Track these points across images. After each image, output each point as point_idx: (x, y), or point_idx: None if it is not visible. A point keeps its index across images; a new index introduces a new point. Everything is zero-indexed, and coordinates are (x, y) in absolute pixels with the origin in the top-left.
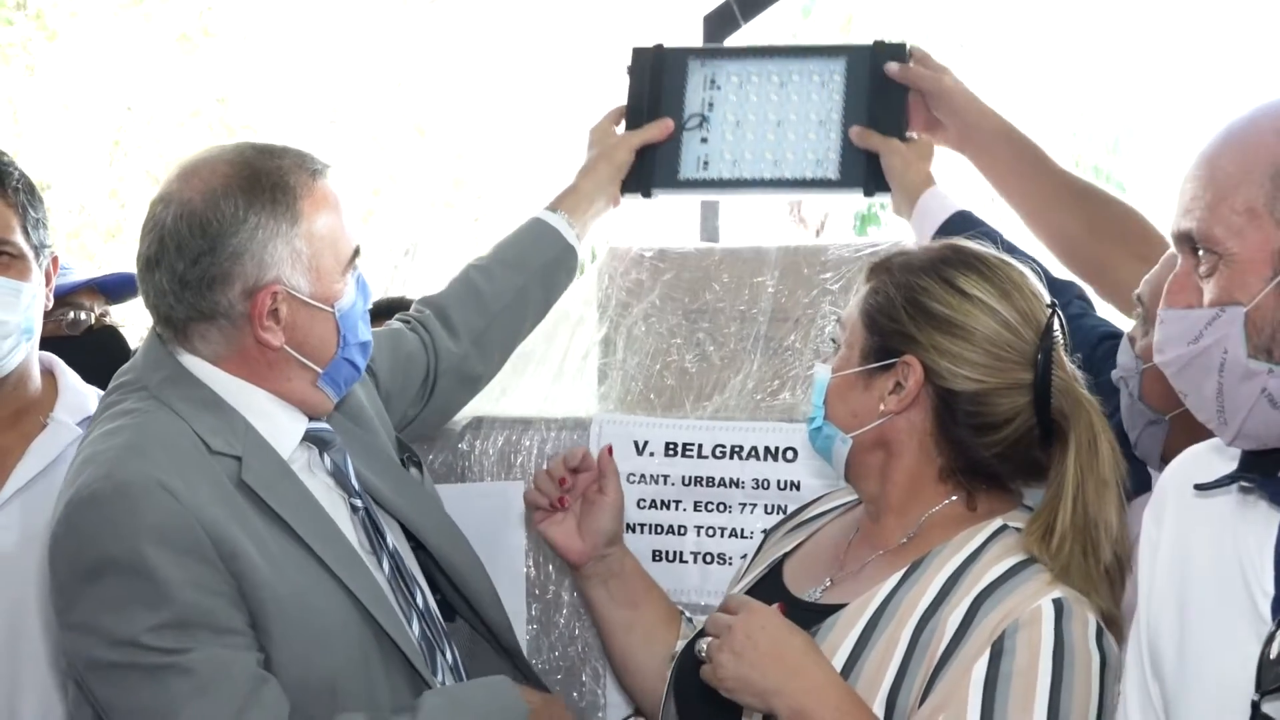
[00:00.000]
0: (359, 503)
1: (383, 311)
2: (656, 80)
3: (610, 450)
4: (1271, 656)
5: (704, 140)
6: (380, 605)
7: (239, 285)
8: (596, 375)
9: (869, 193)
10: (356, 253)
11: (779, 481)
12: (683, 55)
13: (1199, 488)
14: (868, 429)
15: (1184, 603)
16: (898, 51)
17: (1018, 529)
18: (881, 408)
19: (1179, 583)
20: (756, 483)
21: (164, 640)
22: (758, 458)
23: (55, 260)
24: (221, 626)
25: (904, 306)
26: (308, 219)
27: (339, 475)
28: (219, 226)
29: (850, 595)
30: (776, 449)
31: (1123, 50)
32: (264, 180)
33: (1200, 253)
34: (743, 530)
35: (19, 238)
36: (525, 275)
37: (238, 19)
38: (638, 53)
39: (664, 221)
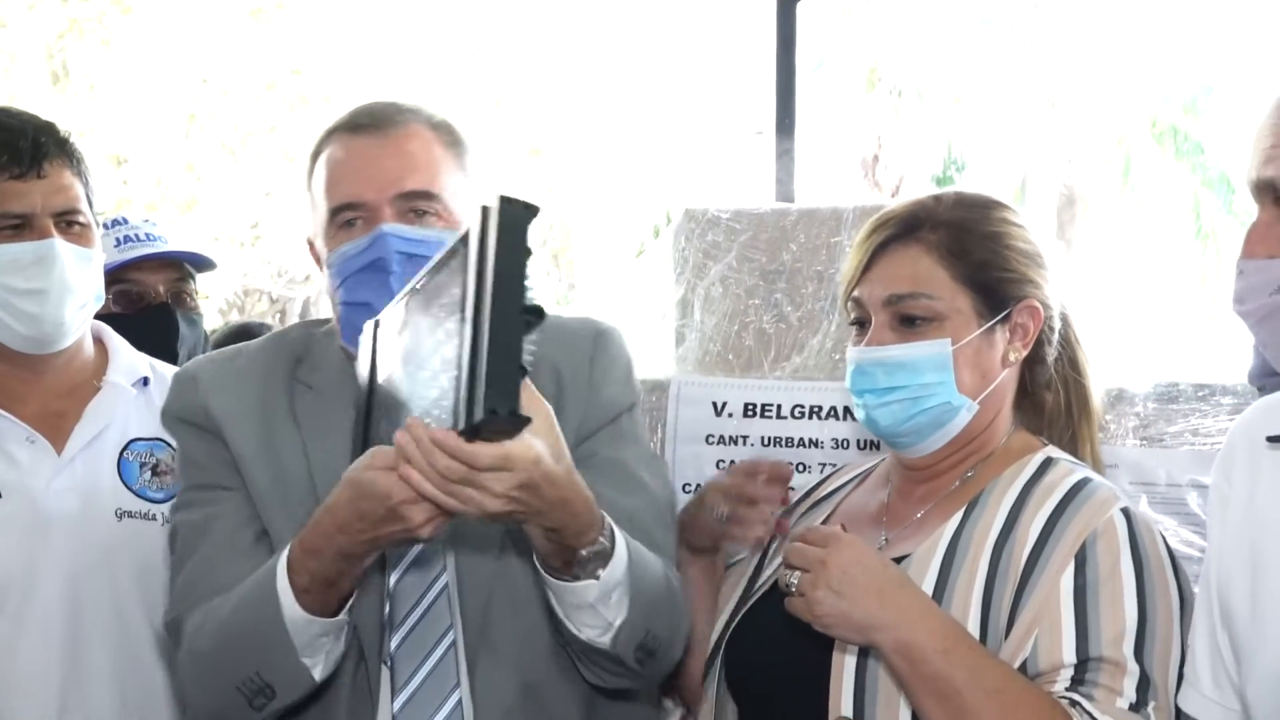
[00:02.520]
0: None
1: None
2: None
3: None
4: None
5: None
6: None
7: None
8: (674, 337)
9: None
10: (340, 207)
11: (859, 441)
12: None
13: (1270, 439)
14: (992, 386)
15: (1257, 554)
16: (515, 215)
17: (1060, 459)
18: (1012, 357)
19: (1251, 534)
20: (836, 442)
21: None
22: (837, 417)
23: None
24: (206, 484)
25: (1006, 254)
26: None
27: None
28: None
29: (912, 546)
30: (844, 409)
31: (1201, 10)
32: None
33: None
34: None
35: (85, 207)
36: None
37: None
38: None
39: (740, 182)
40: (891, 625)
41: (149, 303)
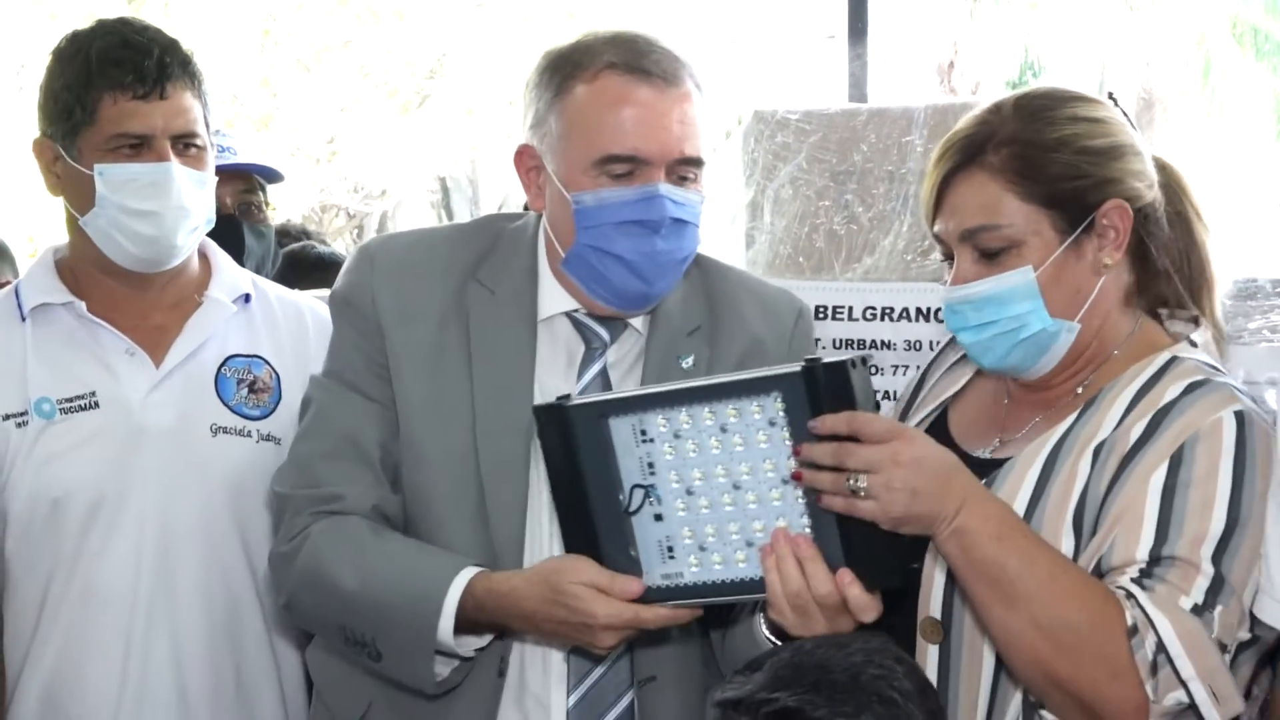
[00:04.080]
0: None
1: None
2: (573, 448)
3: None
4: None
5: (658, 519)
6: (506, 495)
7: None
8: (744, 240)
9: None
10: (618, 158)
11: (931, 342)
12: (596, 411)
13: None
14: (1092, 299)
15: None
16: (837, 376)
17: (1187, 358)
18: (1107, 262)
19: None
20: (908, 344)
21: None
22: (909, 319)
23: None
24: (350, 382)
25: (1078, 160)
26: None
27: (588, 373)
28: None
29: (1020, 449)
30: (929, 310)
31: None
32: None
33: None
34: (894, 393)
35: (203, 129)
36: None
37: None
38: (539, 413)
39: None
40: (949, 515)
41: (217, 214)
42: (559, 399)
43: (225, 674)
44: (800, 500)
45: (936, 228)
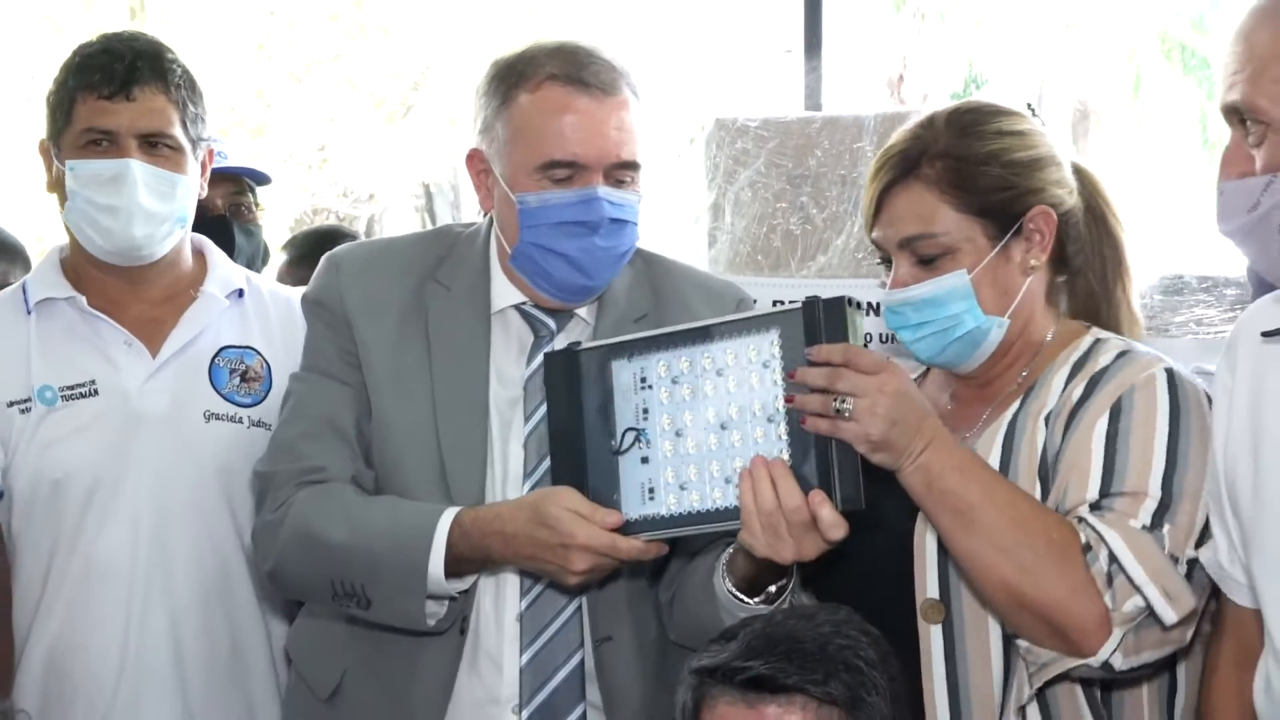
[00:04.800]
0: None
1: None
2: (573, 390)
3: None
4: None
5: (645, 461)
6: (465, 467)
7: None
8: (706, 239)
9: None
10: (559, 163)
11: (880, 335)
12: (604, 355)
13: (1265, 334)
14: (1020, 297)
15: (1258, 441)
16: (835, 310)
17: (1110, 337)
18: (1034, 263)
19: (1253, 423)
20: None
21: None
22: (862, 310)
23: (210, 153)
24: (325, 371)
25: (1005, 172)
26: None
27: (537, 359)
28: None
29: (979, 437)
30: (878, 305)
31: None
32: None
33: (1248, 123)
34: None
35: (178, 131)
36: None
37: None
38: (550, 358)
39: (770, 99)
40: (916, 450)
41: (208, 214)
42: (570, 345)
43: (219, 643)
44: (781, 437)
45: (875, 234)
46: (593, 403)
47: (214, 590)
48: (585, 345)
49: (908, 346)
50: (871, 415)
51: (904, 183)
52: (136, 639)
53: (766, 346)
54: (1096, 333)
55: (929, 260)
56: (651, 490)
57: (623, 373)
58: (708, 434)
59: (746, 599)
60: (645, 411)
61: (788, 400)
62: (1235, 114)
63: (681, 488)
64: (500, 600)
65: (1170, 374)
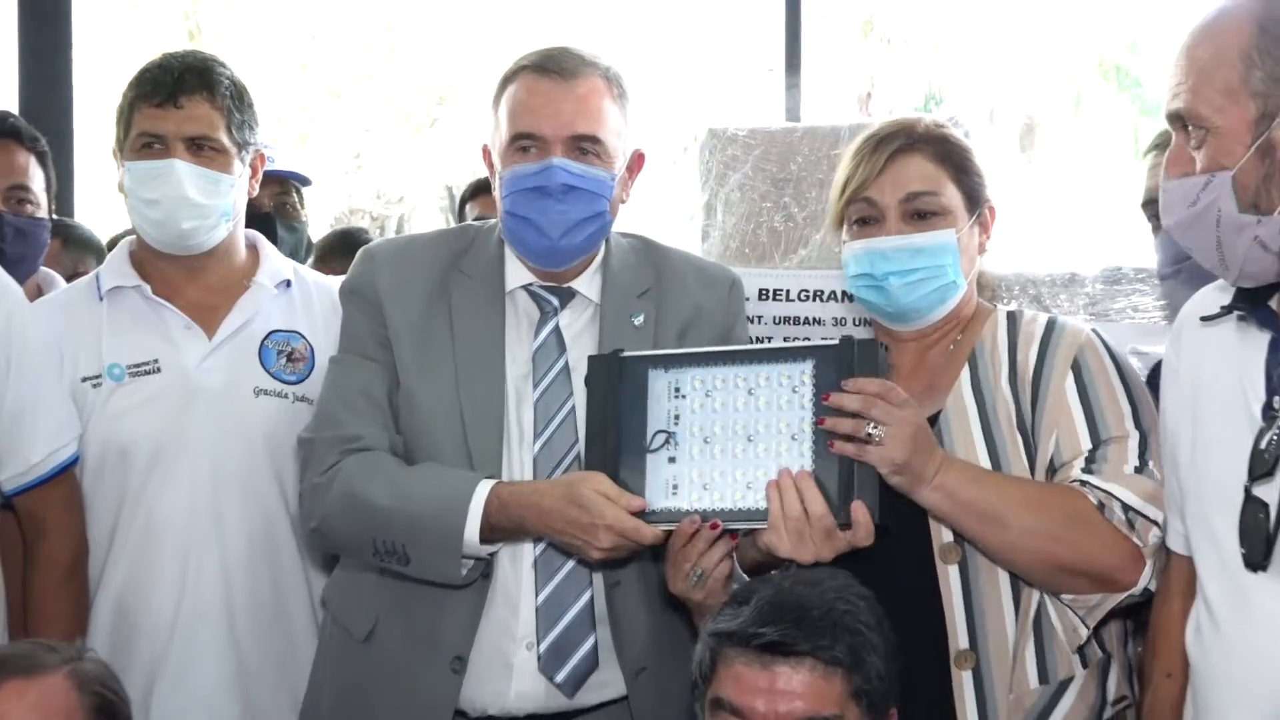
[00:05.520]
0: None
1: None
2: (614, 392)
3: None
4: (1261, 448)
5: (671, 461)
6: (483, 432)
7: None
8: (700, 235)
9: (843, 526)
10: (521, 135)
11: (854, 319)
12: (643, 364)
13: (1204, 319)
14: (976, 269)
15: (1196, 412)
16: (869, 350)
17: (1018, 310)
18: (984, 241)
19: (1192, 397)
20: (835, 320)
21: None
22: (836, 299)
23: (261, 156)
24: (360, 351)
25: (976, 164)
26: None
27: (543, 335)
28: None
29: (937, 405)
30: (844, 292)
31: None
32: None
33: (1189, 129)
34: None
35: (222, 135)
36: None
37: None
38: (595, 361)
39: (755, 111)
40: (932, 474)
41: (255, 211)
42: (614, 351)
43: (264, 591)
44: (804, 454)
45: (869, 194)
46: (628, 403)
47: (260, 544)
48: (627, 353)
49: (889, 293)
50: (896, 441)
51: (909, 150)
52: (192, 588)
53: (798, 374)
54: (1001, 308)
55: (924, 216)
56: (675, 486)
57: (658, 381)
58: (734, 443)
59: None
60: (676, 418)
61: (818, 422)
62: (1179, 120)
63: (704, 487)
64: (517, 549)
65: (1096, 332)
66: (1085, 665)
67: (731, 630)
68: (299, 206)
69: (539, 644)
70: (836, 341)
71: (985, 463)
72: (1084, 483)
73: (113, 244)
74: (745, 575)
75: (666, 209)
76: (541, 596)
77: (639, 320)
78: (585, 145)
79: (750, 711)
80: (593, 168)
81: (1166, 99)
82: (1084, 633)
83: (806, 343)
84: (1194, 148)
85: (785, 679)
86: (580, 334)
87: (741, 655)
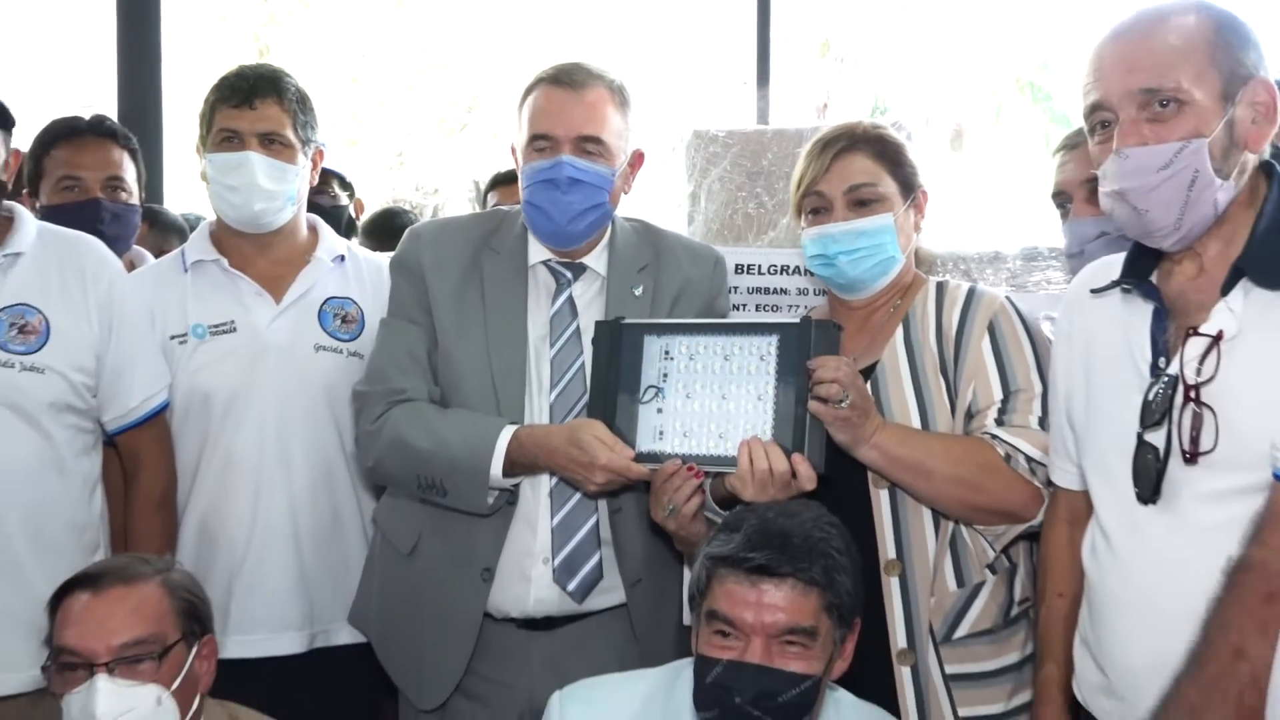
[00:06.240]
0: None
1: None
2: (615, 352)
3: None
4: (1149, 400)
5: (659, 411)
6: (509, 384)
7: None
8: (686, 219)
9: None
10: (536, 136)
11: (814, 290)
12: (640, 330)
13: (1094, 291)
14: (912, 246)
15: (1089, 370)
16: (824, 329)
17: (947, 280)
18: (919, 220)
19: (1085, 358)
20: (799, 290)
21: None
22: (800, 273)
23: (320, 153)
24: (405, 316)
25: (909, 157)
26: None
27: (559, 303)
28: None
29: (874, 357)
30: (801, 267)
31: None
32: None
33: (1163, 104)
34: None
35: (289, 132)
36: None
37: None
38: (600, 326)
39: (731, 111)
40: (869, 436)
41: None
42: (616, 318)
43: (323, 514)
44: (767, 411)
45: (820, 187)
46: (626, 362)
47: (320, 475)
48: (627, 320)
49: (839, 268)
50: (858, 410)
51: (851, 150)
52: (263, 512)
53: (766, 346)
54: (931, 279)
55: (865, 204)
56: (661, 432)
57: (651, 345)
58: (711, 400)
59: (723, 512)
60: (665, 376)
61: (810, 389)
62: (1146, 96)
63: (684, 434)
64: (536, 480)
65: (1010, 300)
66: (995, 573)
67: (725, 554)
68: (337, 195)
69: (553, 559)
70: (798, 321)
71: (914, 405)
72: (995, 436)
73: (192, 227)
74: (715, 505)
75: (659, 197)
76: (556, 520)
77: (639, 291)
78: (590, 145)
79: (740, 622)
80: (595, 165)
81: (1122, 81)
82: (992, 554)
83: (774, 319)
84: (1160, 120)
85: (770, 596)
86: (590, 303)
87: (733, 575)
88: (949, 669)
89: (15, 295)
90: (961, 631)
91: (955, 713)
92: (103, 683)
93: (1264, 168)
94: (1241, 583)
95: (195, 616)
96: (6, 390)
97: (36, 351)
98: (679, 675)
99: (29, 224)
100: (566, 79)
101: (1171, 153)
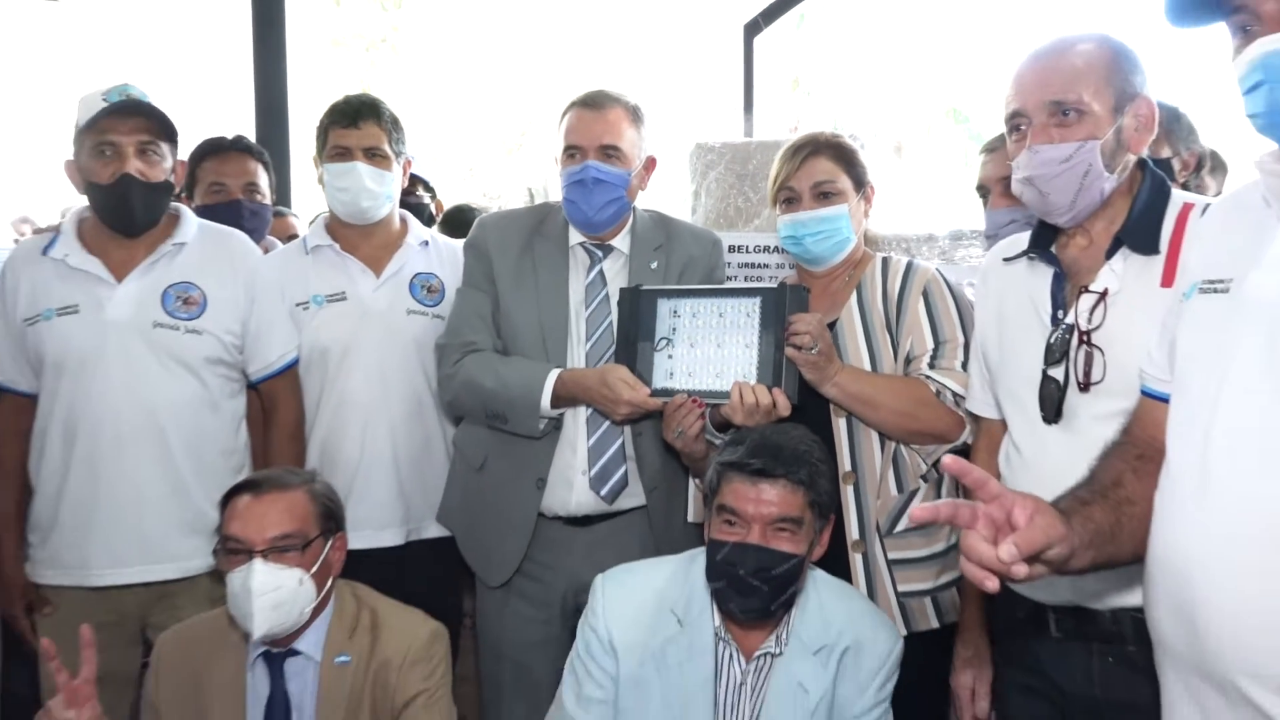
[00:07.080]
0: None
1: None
2: (635, 311)
3: None
4: (1051, 343)
5: (669, 357)
6: (554, 337)
7: None
8: (690, 210)
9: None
10: (568, 147)
11: (787, 264)
12: (654, 295)
13: (1005, 259)
14: (863, 229)
15: (1002, 322)
16: (797, 293)
17: (890, 255)
18: (868, 209)
19: (998, 311)
20: (777, 265)
21: (463, 289)
22: (780, 251)
23: (409, 162)
24: (475, 285)
25: (860, 159)
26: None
27: (592, 275)
28: None
29: (834, 315)
30: (777, 245)
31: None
32: None
33: (1066, 113)
34: None
35: (386, 146)
36: (502, 386)
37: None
38: (624, 292)
39: (724, 129)
40: (833, 375)
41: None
42: (636, 286)
43: (416, 441)
44: (753, 357)
45: (791, 184)
46: (644, 319)
47: (413, 410)
48: (645, 287)
49: (806, 247)
50: (824, 355)
51: (816, 154)
52: (370, 439)
53: (752, 306)
54: (878, 255)
55: (826, 196)
56: (671, 374)
57: (663, 306)
58: (709, 348)
59: (719, 434)
60: (674, 329)
61: (787, 339)
62: (1055, 106)
63: (689, 375)
64: (577, 411)
65: (939, 271)
66: (927, 482)
67: (732, 461)
68: (421, 195)
69: (589, 471)
70: (775, 286)
71: (865, 353)
72: (928, 376)
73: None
74: (713, 429)
75: (669, 194)
76: (591, 441)
77: (654, 265)
78: (610, 152)
79: (743, 513)
80: (614, 168)
81: (1035, 94)
82: (925, 467)
83: (758, 284)
84: (1064, 125)
85: (767, 493)
86: (616, 274)
87: (738, 476)
88: (891, 555)
89: (181, 275)
90: (900, 527)
91: (895, 588)
92: (259, 565)
93: (1140, 164)
94: (1111, 446)
95: (331, 517)
96: (174, 347)
97: (196, 318)
98: (694, 560)
99: (191, 220)
100: (591, 101)
101: (1071, 150)
